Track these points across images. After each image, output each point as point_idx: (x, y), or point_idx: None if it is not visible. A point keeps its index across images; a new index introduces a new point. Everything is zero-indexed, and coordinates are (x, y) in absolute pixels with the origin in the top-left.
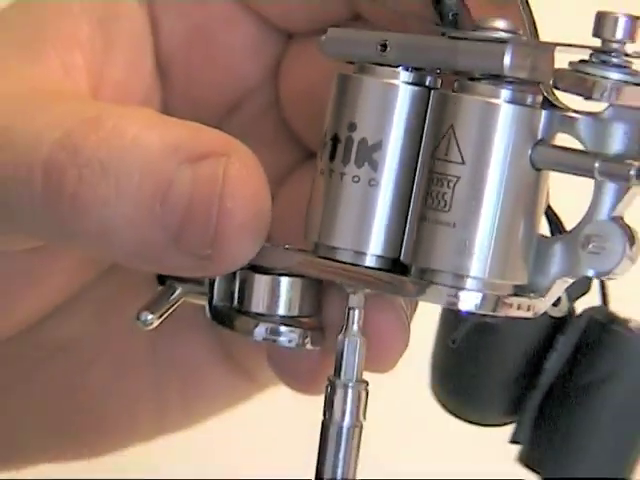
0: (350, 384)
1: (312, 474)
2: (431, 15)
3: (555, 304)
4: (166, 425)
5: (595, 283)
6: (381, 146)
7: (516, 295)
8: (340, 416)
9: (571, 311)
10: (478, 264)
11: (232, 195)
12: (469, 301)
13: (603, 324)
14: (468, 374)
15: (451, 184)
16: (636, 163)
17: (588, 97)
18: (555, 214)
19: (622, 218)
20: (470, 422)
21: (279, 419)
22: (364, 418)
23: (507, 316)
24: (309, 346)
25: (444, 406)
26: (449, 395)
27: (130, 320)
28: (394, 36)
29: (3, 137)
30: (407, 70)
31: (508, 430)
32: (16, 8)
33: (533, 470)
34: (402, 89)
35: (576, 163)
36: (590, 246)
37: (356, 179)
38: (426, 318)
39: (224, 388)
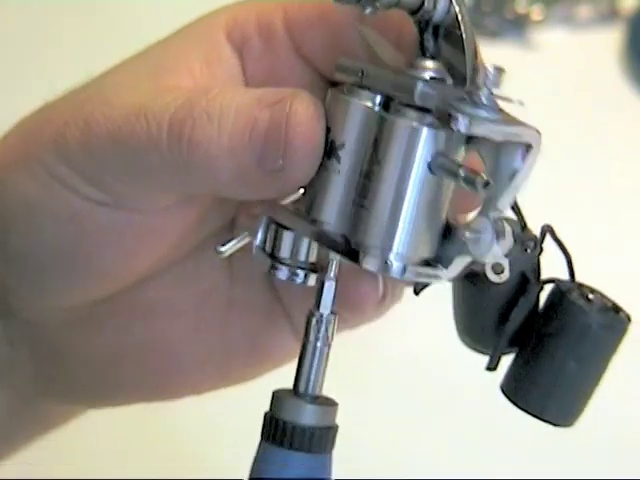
0: (325, 314)
1: None
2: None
3: (497, 272)
4: (231, 377)
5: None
6: (344, 147)
7: (425, 265)
8: (314, 338)
9: (531, 279)
10: (390, 240)
11: (294, 123)
12: (377, 265)
13: (562, 292)
14: (468, 319)
15: (370, 178)
16: (484, 178)
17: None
18: (519, 210)
19: (500, 218)
20: (477, 351)
21: None
22: (332, 341)
23: (418, 280)
24: (311, 283)
25: (462, 341)
26: (462, 334)
27: (204, 291)
28: (369, 67)
29: (139, 111)
30: (373, 93)
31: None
32: (144, 54)
33: (507, 397)
34: (368, 109)
35: (451, 168)
36: (468, 237)
37: (327, 168)
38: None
39: (282, 347)
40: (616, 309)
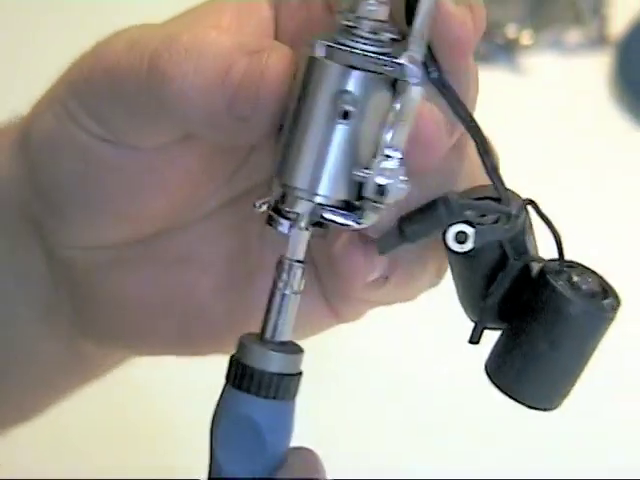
0: (294, 263)
1: None
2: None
3: (459, 242)
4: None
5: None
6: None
7: (343, 209)
8: (283, 285)
9: (509, 254)
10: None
11: (268, 77)
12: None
13: (544, 273)
14: (462, 291)
15: (291, 113)
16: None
17: None
18: (499, 180)
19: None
20: (470, 319)
21: None
22: (300, 289)
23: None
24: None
25: (465, 312)
26: (462, 305)
27: (231, 249)
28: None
29: (132, 45)
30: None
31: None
32: (184, 12)
33: (488, 376)
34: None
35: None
36: (361, 176)
37: None
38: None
39: (313, 314)
40: (605, 293)
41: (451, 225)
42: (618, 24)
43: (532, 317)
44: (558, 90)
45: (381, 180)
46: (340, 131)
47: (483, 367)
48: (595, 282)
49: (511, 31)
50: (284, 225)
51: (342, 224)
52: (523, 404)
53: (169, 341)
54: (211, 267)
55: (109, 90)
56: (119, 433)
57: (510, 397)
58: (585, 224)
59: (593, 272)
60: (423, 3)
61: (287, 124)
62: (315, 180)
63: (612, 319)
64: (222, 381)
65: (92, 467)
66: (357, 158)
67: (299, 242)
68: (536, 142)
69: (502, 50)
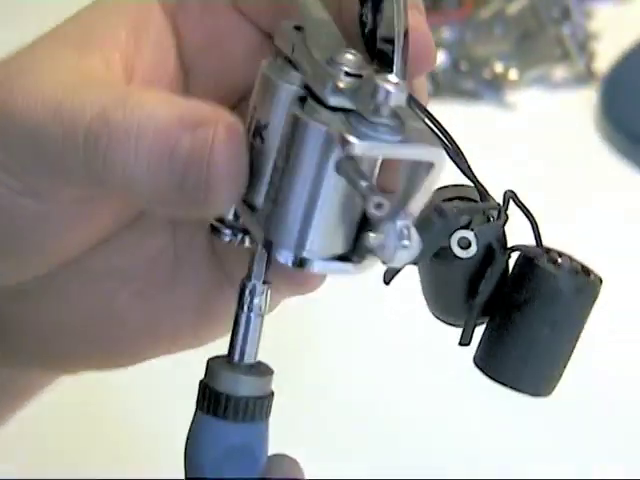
0: (257, 285)
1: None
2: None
3: (463, 247)
4: (180, 343)
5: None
6: (267, 127)
7: (338, 260)
8: (247, 309)
9: (497, 249)
10: (303, 237)
11: (217, 157)
12: (290, 259)
13: (530, 259)
14: (437, 295)
15: (280, 174)
16: (378, 197)
17: None
18: (476, 180)
19: (407, 225)
20: (450, 325)
21: None
22: (264, 311)
23: (328, 274)
24: (247, 244)
25: (434, 315)
26: (433, 309)
27: (150, 257)
28: (300, 45)
29: (56, 111)
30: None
31: None
32: (72, 21)
33: (479, 369)
34: (289, 90)
35: (353, 179)
36: (374, 242)
37: (254, 147)
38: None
39: (229, 312)
40: (586, 272)
41: (452, 234)
42: (604, 60)
43: (526, 305)
44: (545, 125)
45: (394, 244)
46: (336, 187)
47: (473, 363)
48: (574, 262)
49: (498, 67)
50: (227, 235)
51: (343, 270)
52: (524, 392)
53: (91, 359)
54: (128, 279)
55: (35, 156)
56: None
57: (510, 387)
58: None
59: (564, 253)
60: (398, 41)
61: (271, 180)
62: (304, 236)
63: (598, 294)
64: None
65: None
66: (354, 213)
67: (260, 263)
68: (523, 177)
69: (489, 86)
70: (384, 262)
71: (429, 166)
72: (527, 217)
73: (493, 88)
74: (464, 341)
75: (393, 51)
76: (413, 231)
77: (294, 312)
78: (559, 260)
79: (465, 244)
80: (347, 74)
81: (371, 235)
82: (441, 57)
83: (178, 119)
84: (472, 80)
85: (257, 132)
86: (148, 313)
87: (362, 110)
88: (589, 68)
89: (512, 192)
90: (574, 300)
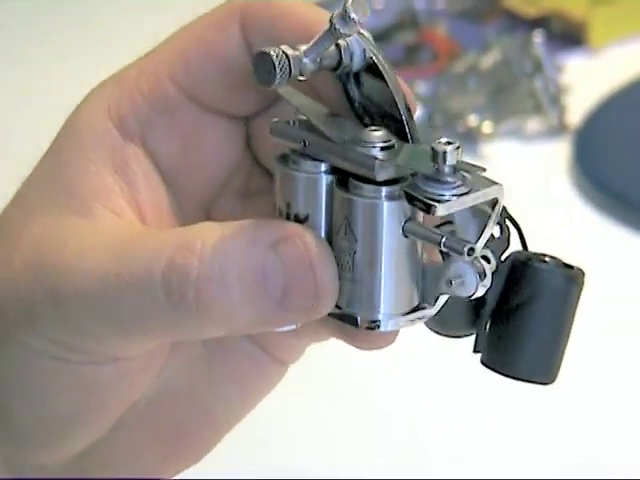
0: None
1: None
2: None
3: (489, 261)
4: (229, 421)
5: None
6: (308, 218)
7: (413, 311)
8: None
9: (499, 260)
10: (378, 304)
11: (318, 261)
12: (381, 326)
13: (523, 262)
14: (445, 315)
15: (350, 254)
16: (468, 244)
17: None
18: (519, 227)
19: (477, 258)
20: (447, 337)
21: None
22: None
23: (409, 325)
24: None
25: (431, 329)
26: (431, 323)
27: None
28: (311, 136)
29: (118, 280)
30: (323, 161)
31: None
32: (43, 179)
33: (491, 368)
34: (319, 178)
35: (428, 236)
36: (454, 283)
37: None
38: None
39: (265, 378)
40: (569, 266)
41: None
42: (576, 113)
43: (529, 304)
44: (518, 176)
45: (476, 281)
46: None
47: (482, 365)
48: (557, 259)
49: (472, 120)
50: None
51: (421, 317)
52: (537, 383)
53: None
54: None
55: (106, 329)
56: None
57: (523, 380)
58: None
59: (546, 254)
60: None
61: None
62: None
63: (584, 284)
64: None
65: None
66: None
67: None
68: None
69: (464, 139)
70: (463, 298)
71: (493, 203)
72: (515, 226)
73: (468, 141)
74: (478, 348)
75: (401, 120)
76: (484, 262)
77: None
78: (546, 259)
79: (487, 261)
80: (382, 149)
81: (452, 280)
82: (417, 111)
83: (252, 243)
84: (447, 133)
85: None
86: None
87: (422, 174)
88: (561, 121)
89: (504, 207)
90: (568, 289)
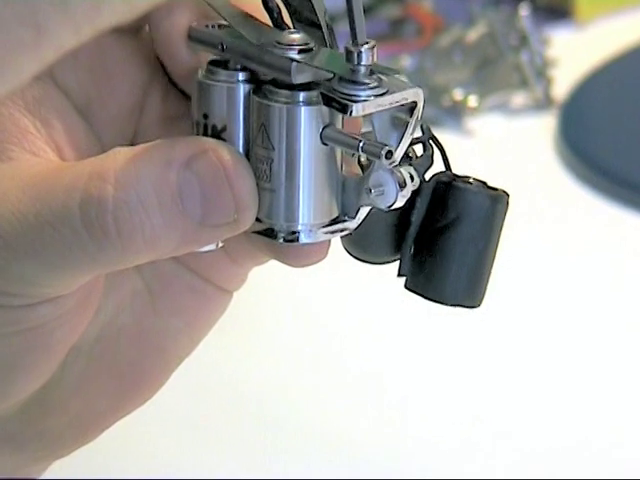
0: None
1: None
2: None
3: (412, 178)
4: (179, 354)
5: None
6: (226, 129)
7: (334, 223)
8: None
9: (422, 179)
10: (297, 214)
11: (234, 173)
12: (300, 238)
13: (447, 182)
14: (362, 233)
15: (268, 163)
16: (386, 147)
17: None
18: (442, 148)
19: (397, 167)
20: (366, 262)
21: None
22: None
23: (329, 237)
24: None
25: (350, 253)
26: (351, 246)
27: (127, 301)
28: (229, 39)
29: (38, 217)
30: (241, 70)
31: None
32: None
33: (415, 292)
34: (237, 87)
35: (347, 141)
36: (373, 191)
37: None
38: None
39: (210, 308)
40: (494, 188)
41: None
42: (562, 87)
43: (454, 225)
44: (504, 151)
45: (395, 190)
46: (319, 158)
47: (406, 289)
48: (479, 180)
49: (457, 94)
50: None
51: (341, 229)
52: (463, 306)
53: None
54: (118, 326)
55: (36, 265)
56: None
57: (449, 304)
58: (531, 282)
59: (469, 175)
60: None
61: (271, 169)
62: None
63: (508, 205)
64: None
65: None
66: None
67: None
68: None
69: (449, 113)
70: (384, 209)
71: (412, 107)
72: (438, 147)
73: (453, 115)
74: (402, 272)
75: (319, 25)
76: (403, 170)
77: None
78: (471, 180)
79: (411, 178)
80: (300, 51)
81: (371, 189)
82: None
83: (166, 164)
84: (432, 107)
85: (216, 137)
86: (145, 346)
87: (339, 77)
88: (547, 94)
89: (427, 125)
90: (493, 210)
